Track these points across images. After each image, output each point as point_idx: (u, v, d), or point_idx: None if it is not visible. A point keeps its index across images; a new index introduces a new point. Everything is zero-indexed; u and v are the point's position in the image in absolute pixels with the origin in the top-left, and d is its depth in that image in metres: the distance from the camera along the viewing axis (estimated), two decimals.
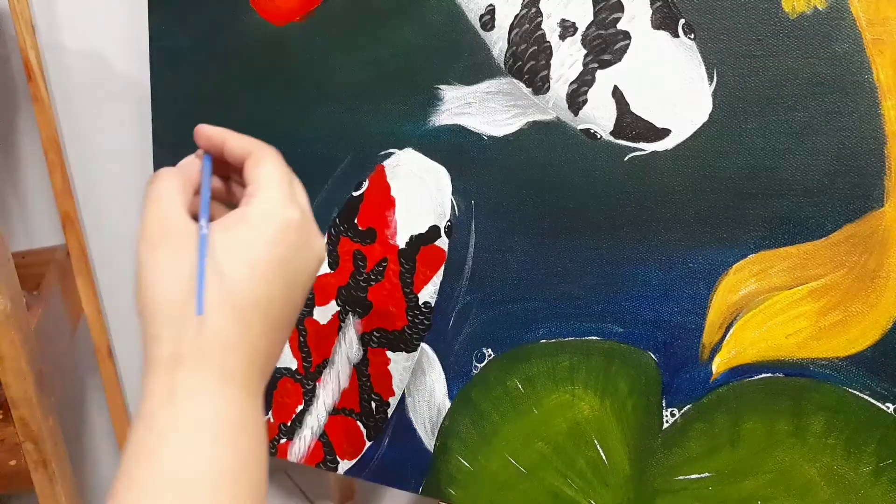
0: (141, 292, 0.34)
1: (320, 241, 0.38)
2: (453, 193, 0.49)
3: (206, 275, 0.33)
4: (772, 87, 0.40)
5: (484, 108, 0.47)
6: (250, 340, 0.34)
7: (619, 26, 0.43)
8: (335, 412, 0.55)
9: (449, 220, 0.49)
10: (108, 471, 0.93)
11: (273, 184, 0.36)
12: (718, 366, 0.43)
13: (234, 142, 0.39)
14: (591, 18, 0.43)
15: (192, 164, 0.39)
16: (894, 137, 0.38)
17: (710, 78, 0.41)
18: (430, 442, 0.52)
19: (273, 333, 0.35)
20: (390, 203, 0.51)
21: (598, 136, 0.44)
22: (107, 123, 0.78)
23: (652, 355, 0.45)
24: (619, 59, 0.43)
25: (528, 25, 0.45)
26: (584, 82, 0.44)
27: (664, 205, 0.43)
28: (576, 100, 0.44)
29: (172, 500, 0.31)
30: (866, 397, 0.40)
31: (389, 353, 0.53)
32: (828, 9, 0.38)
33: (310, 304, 0.55)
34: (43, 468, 0.63)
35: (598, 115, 0.44)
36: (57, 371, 0.70)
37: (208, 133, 0.39)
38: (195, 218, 0.35)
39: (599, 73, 0.43)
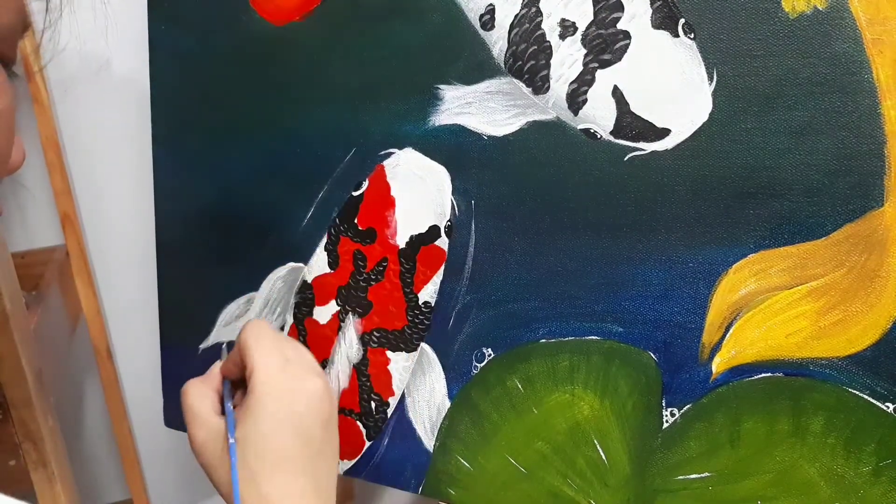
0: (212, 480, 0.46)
1: (310, 382, 0.45)
2: (453, 193, 0.49)
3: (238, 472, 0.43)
4: (772, 87, 0.40)
5: (484, 108, 0.47)
6: (299, 487, 0.43)
7: (619, 26, 0.43)
8: None
9: (449, 220, 0.49)
10: (107, 471, 0.93)
11: (258, 377, 0.44)
12: (718, 365, 0.43)
13: (233, 356, 0.48)
14: (591, 18, 0.43)
15: (212, 372, 0.49)
16: (894, 137, 0.38)
17: (710, 78, 0.41)
18: (429, 442, 0.52)
19: (312, 467, 0.44)
20: (390, 203, 0.51)
21: (598, 136, 0.44)
22: (106, 123, 0.78)
23: (652, 355, 0.45)
24: (619, 59, 0.43)
25: (528, 25, 0.45)
26: (583, 82, 0.44)
27: (664, 204, 0.43)
28: (576, 99, 0.44)
29: None
30: (866, 397, 0.40)
31: (389, 353, 0.52)
32: (828, 8, 0.38)
33: (309, 303, 0.55)
34: (42, 468, 0.63)
35: (598, 115, 0.44)
36: (56, 371, 0.70)
37: (222, 371, 0.49)
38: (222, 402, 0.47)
39: (599, 73, 0.43)
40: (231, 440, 0.43)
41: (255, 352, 0.45)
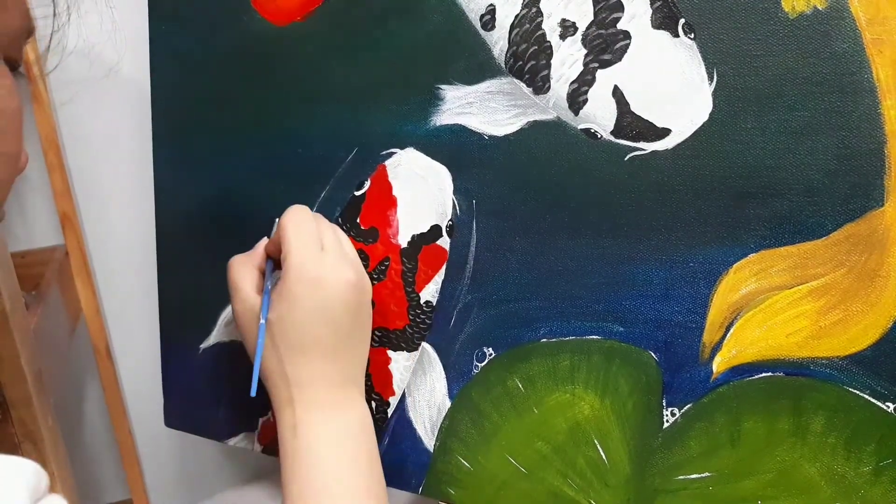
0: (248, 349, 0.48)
1: (342, 272, 0.46)
2: (455, 193, 0.49)
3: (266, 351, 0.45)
4: (772, 87, 0.40)
5: (485, 108, 0.47)
6: (323, 373, 0.45)
7: (620, 26, 0.43)
8: None
9: (450, 220, 0.49)
10: (106, 470, 0.93)
11: (291, 262, 0.45)
12: (719, 365, 0.43)
13: (275, 237, 0.48)
14: (592, 18, 0.43)
15: (257, 249, 0.51)
16: (894, 137, 0.38)
17: (711, 77, 0.41)
18: (430, 442, 0.52)
19: (338, 355, 0.46)
20: (392, 202, 0.51)
21: (599, 136, 0.44)
22: (106, 123, 0.78)
23: (652, 354, 0.45)
24: (620, 59, 0.43)
25: (528, 25, 0.45)
26: (584, 82, 0.44)
27: (664, 204, 0.43)
28: (576, 99, 0.44)
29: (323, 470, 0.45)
30: (867, 396, 0.40)
31: (390, 353, 0.53)
32: (827, 8, 0.38)
33: None
34: (42, 468, 0.63)
35: (599, 115, 0.44)
36: (56, 371, 0.69)
37: (266, 249, 0.50)
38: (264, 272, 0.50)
39: (600, 73, 0.43)
40: (262, 321, 0.45)
41: (291, 236, 0.46)
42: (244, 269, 0.49)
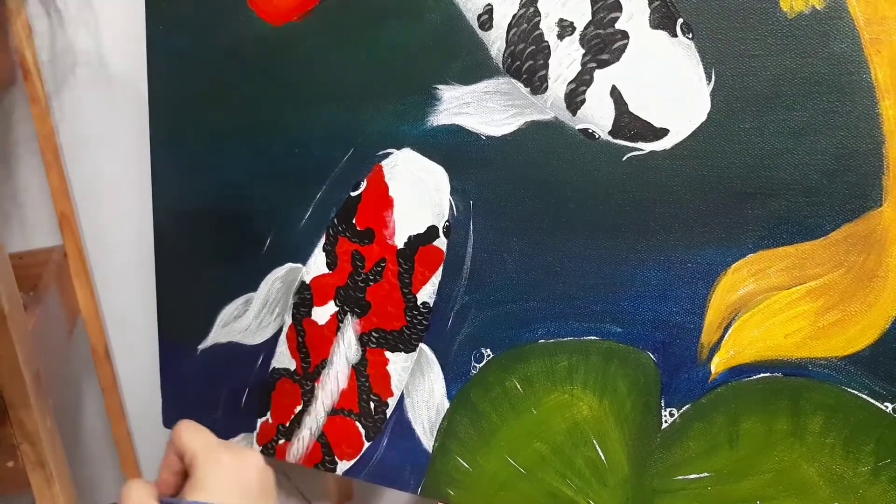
0: None
1: (252, 457, 0.45)
2: (451, 193, 0.49)
3: None
4: (770, 87, 0.40)
5: (482, 108, 0.47)
6: None
7: (618, 26, 0.42)
8: (334, 413, 0.55)
9: (447, 221, 0.49)
10: (105, 471, 0.93)
11: (202, 455, 0.45)
12: (717, 365, 0.43)
13: (169, 464, 0.47)
14: (590, 18, 0.43)
15: (159, 475, 0.48)
16: (892, 137, 0.38)
17: (709, 77, 0.41)
18: (428, 442, 0.52)
19: None
20: (388, 203, 0.51)
21: (597, 136, 0.44)
22: (104, 124, 0.78)
23: (650, 355, 0.45)
24: (618, 59, 0.43)
25: (526, 25, 0.45)
26: (582, 82, 0.44)
27: (662, 204, 0.43)
28: (574, 99, 0.44)
29: None
30: (865, 397, 0.40)
31: (388, 354, 0.52)
32: (826, 8, 0.38)
33: (308, 304, 0.55)
34: (40, 469, 0.63)
35: (597, 115, 0.44)
36: (54, 372, 0.69)
37: (163, 473, 0.47)
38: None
39: (598, 73, 0.43)
40: None
41: (190, 439, 0.46)
42: (144, 490, 0.46)
